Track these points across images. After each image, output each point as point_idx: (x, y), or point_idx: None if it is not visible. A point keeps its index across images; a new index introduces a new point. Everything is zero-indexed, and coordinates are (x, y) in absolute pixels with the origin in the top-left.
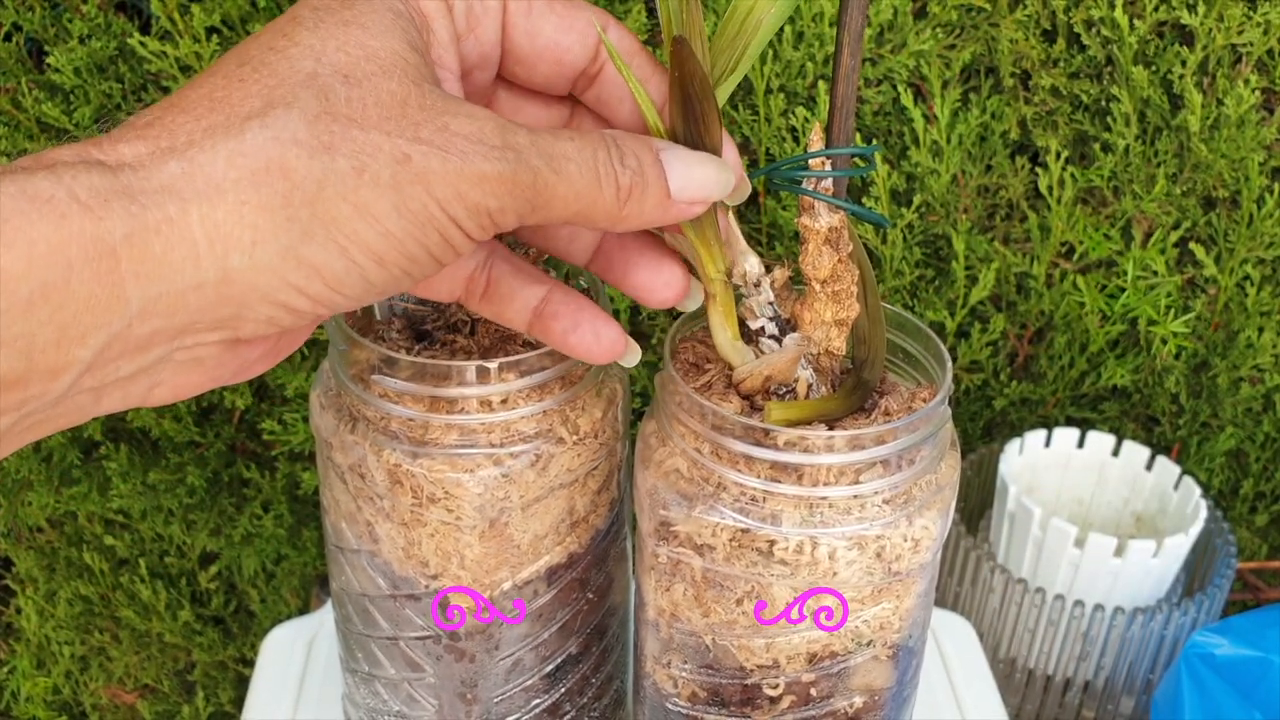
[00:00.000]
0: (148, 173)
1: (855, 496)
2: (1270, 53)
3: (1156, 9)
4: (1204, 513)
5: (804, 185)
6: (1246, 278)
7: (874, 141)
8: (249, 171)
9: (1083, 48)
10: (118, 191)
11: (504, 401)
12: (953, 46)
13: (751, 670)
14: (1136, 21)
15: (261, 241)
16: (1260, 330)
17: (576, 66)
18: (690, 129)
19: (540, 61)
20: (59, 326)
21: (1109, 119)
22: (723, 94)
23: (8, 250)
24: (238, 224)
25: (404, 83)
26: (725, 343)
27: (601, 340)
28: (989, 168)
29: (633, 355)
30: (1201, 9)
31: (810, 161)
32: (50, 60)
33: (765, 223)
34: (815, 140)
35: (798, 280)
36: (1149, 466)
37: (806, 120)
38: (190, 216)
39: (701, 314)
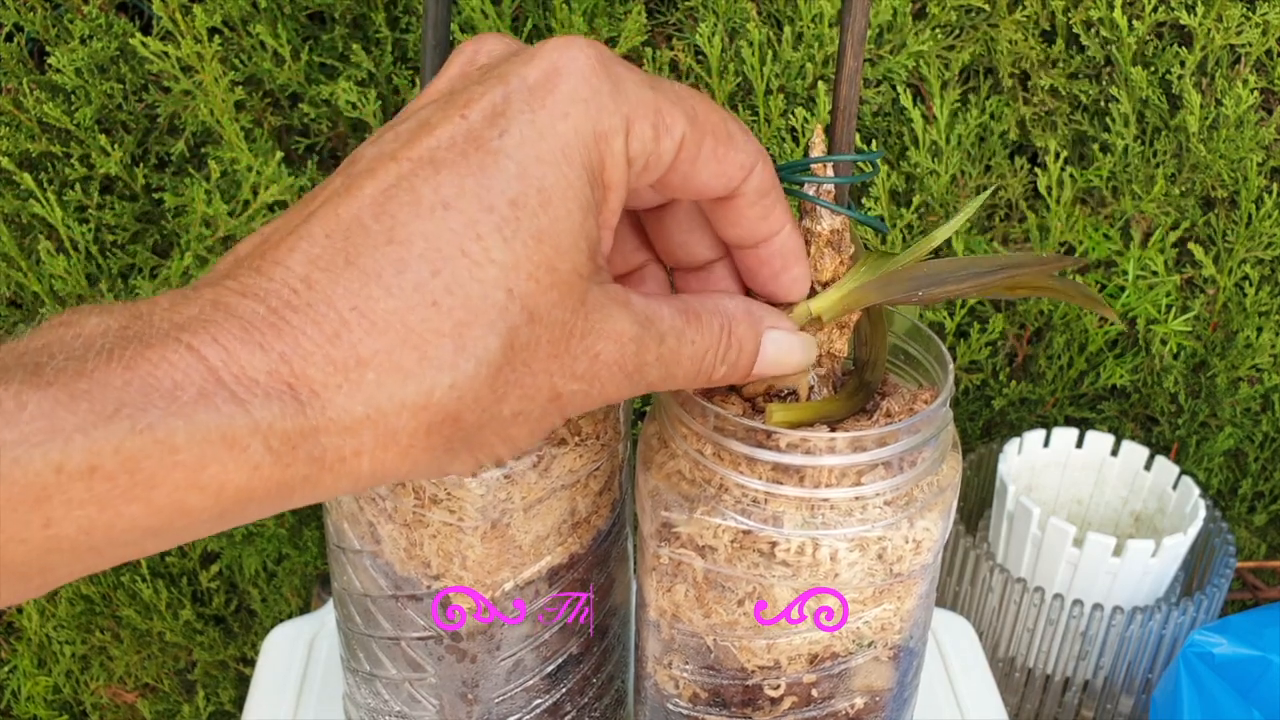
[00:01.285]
0: (335, 412)
1: (857, 498)
2: (1269, 53)
3: (1155, 9)
4: (1202, 512)
5: (805, 189)
6: (1245, 278)
7: (874, 142)
8: (426, 424)
9: (1082, 48)
10: (305, 435)
11: None
12: (952, 47)
13: (753, 671)
14: (1135, 22)
15: (415, 470)
16: (1259, 330)
17: (710, 199)
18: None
19: (682, 195)
20: (216, 529)
21: (1108, 119)
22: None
23: (199, 492)
24: (401, 462)
25: (576, 310)
26: None
27: None
28: (988, 168)
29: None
30: (1200, 9)
31: (811, 165)
32: (51, 61)
33: None
34: (817, 142)
35: None
36: (1148, 466)
37: (806, 121)
38: (362, 459)
39: None
